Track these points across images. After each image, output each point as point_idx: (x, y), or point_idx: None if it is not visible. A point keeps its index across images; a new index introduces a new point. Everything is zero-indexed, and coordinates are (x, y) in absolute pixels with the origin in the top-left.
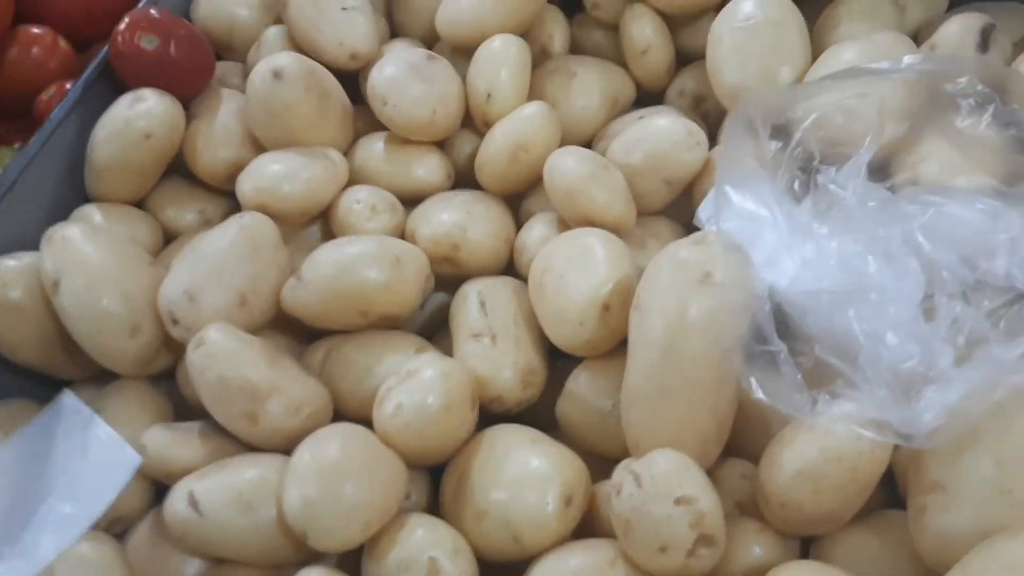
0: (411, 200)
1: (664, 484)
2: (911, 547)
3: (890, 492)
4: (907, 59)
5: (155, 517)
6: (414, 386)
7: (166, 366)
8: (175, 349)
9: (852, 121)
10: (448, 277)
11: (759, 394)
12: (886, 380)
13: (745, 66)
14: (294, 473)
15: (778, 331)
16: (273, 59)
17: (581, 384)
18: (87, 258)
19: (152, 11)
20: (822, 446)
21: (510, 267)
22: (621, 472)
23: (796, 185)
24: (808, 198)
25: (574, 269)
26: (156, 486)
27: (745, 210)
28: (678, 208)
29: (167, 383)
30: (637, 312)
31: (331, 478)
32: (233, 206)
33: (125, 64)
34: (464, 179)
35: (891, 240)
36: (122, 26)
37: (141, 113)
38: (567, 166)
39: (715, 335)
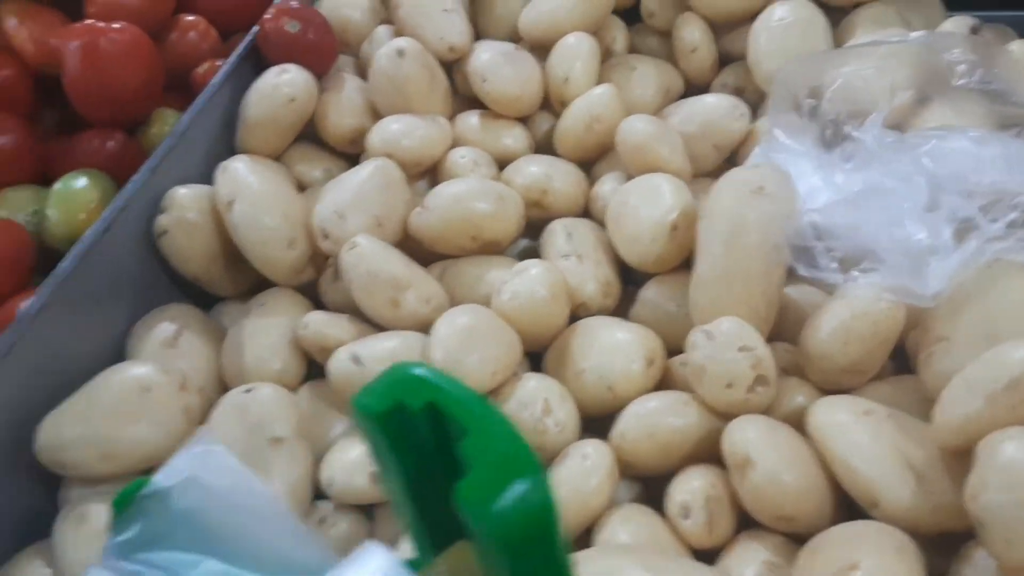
0: (500, 164)
1: (729, 337)
2: (919, 392)
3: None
4: (913, 34)
5: (311, 387)
6: (525, 279)
7: (310, 279)
8: (318, 264)
9: (870, 86)
10: (535, 220)
11: (803, 272)
12: (901, 255)
13: (780, 56)
14: (437, 335)
15: (815, 235)
16: (396, 42)
17: (651, 292)
18: (253, 184)
19: (294, 2)
20: (851, 307)
21: (585, 214)
22: (695, 334)
23: (827, 134)
24: (836, 146)
25: (646, 201)
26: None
27: (789, 147)
28: (723, 171)
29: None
30: (706, 220)
31: (467, 337)
32: (352, 166)
33: (271, 44)
34: (542, 151)
35: (902, 164)
36: (270, 13)
37: (286, 81)
38: (637, 126)
39: (767, 232)
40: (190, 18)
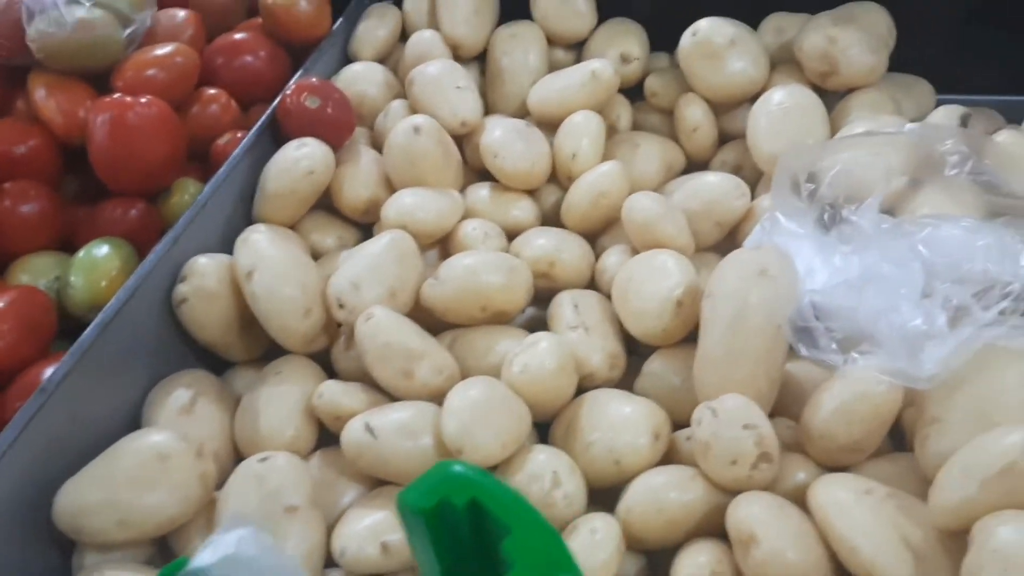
0: (508, 235)
1: (734, 414)
2: (916, 471)
3: (898, 446)
4: (908, 126)
5: (322, 455)
6: (536, 352)
7: (322, 347)
8: (330, 332)
9: (866, 173)
10: (542, 291)
11: (804, 353)
12: (898, 339)
13: (778, 138)
14: (450, 407)
15: (815, 315)
16: (413, 119)
17: (656, 366)
18: (273, 255)
19: (313, 79)
20: (852, 388)
21: (591, 285)
22: (701, 410)
23: (825, 218)
24: (835, 228)
25: (652, 277)
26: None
27: (789, 230)
28: (724, 247)
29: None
30: (709, 299)
31: (478, 409)
32: (365, 235)
33: (291, 118)
34: (548, 222)
35: (898, 249)
36: (290, 89)
37: (306, 154)
38: (644, 204)
39: (769, 314)
40: (212, 91)
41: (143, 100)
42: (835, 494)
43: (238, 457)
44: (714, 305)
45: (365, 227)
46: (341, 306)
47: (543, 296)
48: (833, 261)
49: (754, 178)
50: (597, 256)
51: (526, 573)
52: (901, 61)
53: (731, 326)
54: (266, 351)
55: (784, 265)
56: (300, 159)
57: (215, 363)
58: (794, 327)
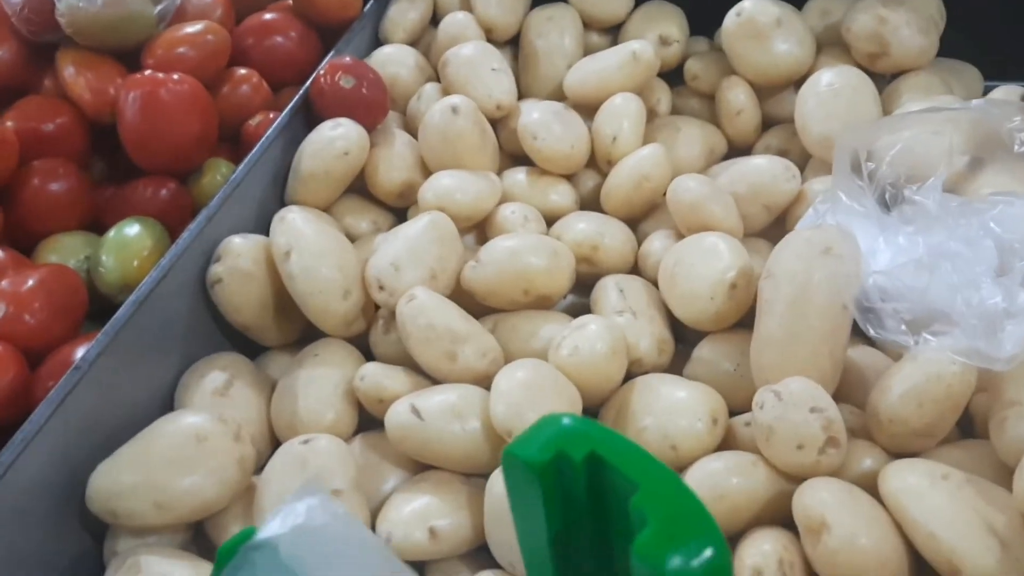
0: (547, 221)
1: (800, 397)
2: (990, 457)
3: (965, 433)
4: (974, 102)
5: (363, 439)
6: (585, 335)
7: (360, 330)
8: (368, 316)
9: (929, 151)
10: (584, 276)
11: (872, 334)
12: (975, 318)
13: (829, 120)
14: (498, 389)
15: (881, 296)
16: (450, 99)
17: (706, 351)
18: (310, 235)
19: (347, 58)
20: (925, 370)
21: (634, 271)
22: (763, 393)
23: (887, 197)
24: (896, 208)
25: (703, 259)
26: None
27: (849, 210)
28: (772, 233)
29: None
30: (770, 280)
31: (528, 391)
32: (398, 220)
33: (325, 99)
34: (586, 209)
35: (969, 228)
36: (324, 69)
37: (341, 135)
38: (690, 185)
39: (834, 293)
40: (243, 71)
41: (175, 77)
42: (908, 479)
43: (275, 443)
44: (775, 285)
45: (399, 212)
46: (381, 288)
47: (585, 282)
48: (897, 241)
49: (800, 163)
50: (639, 242)
51: (662, 528)
52: (946, 46)
53: (793, 306)
54: (301, 335)
55: (848, 244)
56: (335, 139)
57: (248, 348)
58: (860, 308)
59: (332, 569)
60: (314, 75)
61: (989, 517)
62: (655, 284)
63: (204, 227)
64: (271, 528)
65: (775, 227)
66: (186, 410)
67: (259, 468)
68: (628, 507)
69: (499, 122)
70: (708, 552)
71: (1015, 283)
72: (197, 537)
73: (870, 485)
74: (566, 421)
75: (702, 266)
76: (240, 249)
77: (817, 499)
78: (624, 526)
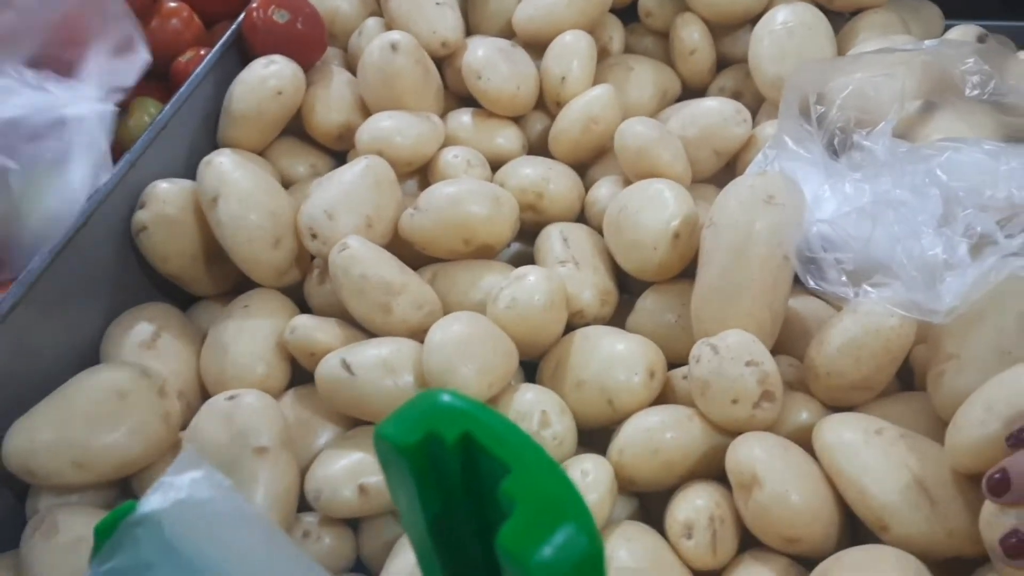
0: (492, 165)
1: (737, 351)
2: (928, 411)
3: (904, 386)
4: (927, 43)
5: (295, 394)
6: (523, 286)
7: (294, 280)
8: (302, 266)
9: (880, 94)
10: (528, 225)
11: (812, 285)
12: (915, 270)
13: (783, 60)
14: (432, 343)
15: (823, 246)
16: (389, 35)
17: (649, 302)
18: (239, 180)
19: None
20: (863, 323)
21: (580, 219)
22: (700, 347)
23: (835, 143)
24: (845, 154)
25: (647, 207)
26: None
27: (796, 156)
28: (722, 178)
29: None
30: (711, 228)
31: (462, 345)
32: (338, 163)
33: (258, 34)
34: (534, 153)
35: (915, 175)
36: (256, 2)
37: (274, 73)
38: (638, 130)
39: (776, 243)
40: (172, 4)
41: None
42: (843, 434)
43: (204, 396)
44: (716, 234)
45: (338, 155)
46: (314, 236)
47: (529, 231)
48: (843, 189)
49: (755, 105)
50: (587, 188)
51: (529, 517)
52: None
53: (734, 255)
54: (234, 285)
55: (792, 192)
56: (268, 77)
57: (179, 298)
58: (801, 258)
59: (217, 545)
60: (246, 8)
61: (920, 473)
62: (601, 233)
63: (128, 171)
64: (152, 502)
65: (725, 172)
66: (108, 364)
67: (187, 423)
68: (499, 490)
69: (444, 60)
70: (577, 543)
71: (956, 234)
72: (124, 495)
73: (806, 439)
74: (443, 398)
75: (646, 214)
76: (166, 195)
77: (749, 454)
78: (498, 511)
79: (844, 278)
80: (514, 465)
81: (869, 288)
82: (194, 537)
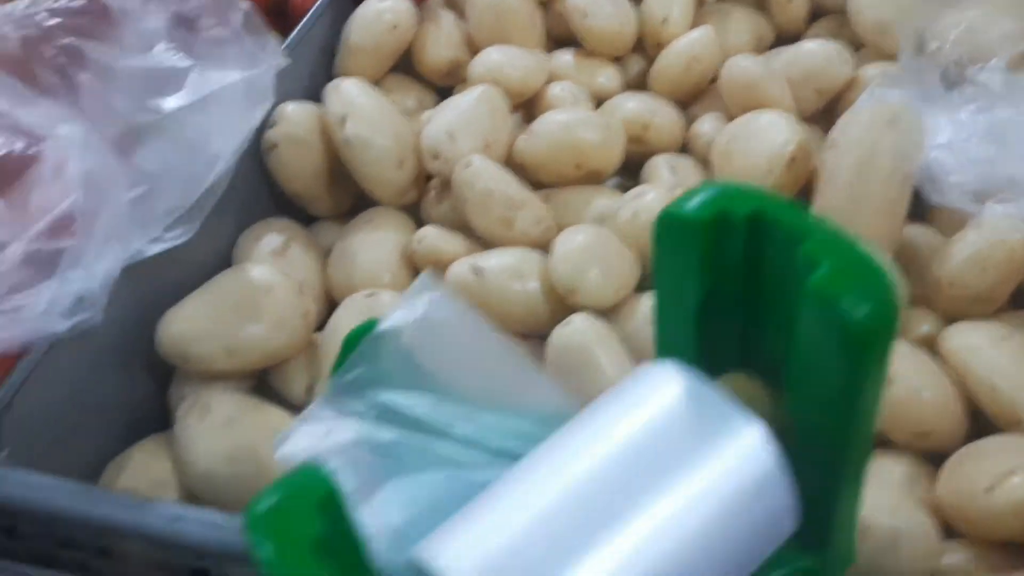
0: (594, 103)
1: None
2: None
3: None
4: None
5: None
6: (644, 202)
7: (411, 201)
8: (419, 187)
9: (993, 29)
10: (632, 155)
11: (936, 200)
12: None
13: (883, 5)
14: (558, 251)
15: (943, 170)
16: None
17: None
18: (365, 104)
19: None
20: (988, 235)
21: (682, 153)
22: None
23: (949, 76)
24: (958, 88)
25: (760, 134)
26: None
27: (909, 89)
28: (823, 120)
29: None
30: (832, 149)
31: (588, 252)
32: (442, 99)
33: None
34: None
35: None
36: None
37: (389, 7)
38: (746, 64)
39: (899, 162)
40: None
41: None
42: (970, 339)
43: (331, 305)
44: (839, 154)
45: (445, 91)
46: (436, 156)
47: (632, 163)
48: (959, 118)
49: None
50: (688, 125)
51: (837, 271)
52: None
53: (857, 173)
54: (351, 207)
55: (911, 116)
56: (383, 12)
57: (298, 217)
58: (923, 178)
59: (455, 362)
60: None
61: None
62: (704, 166)
63: None
64: (395, 319)
65: (827, 114)
66: (249, 263)
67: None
68: (794, 258)
69: (545, 5)
70: (883, 291)
71: None
72: (260, 387)
73: (929, 349)
74: (728, 185)
75: (759, 140)
76: (295, 116)
77: None
78: (783, 282)
79: (968, 197)
80: (812, 234)
81: (995, 204)
82: (434, 352)
